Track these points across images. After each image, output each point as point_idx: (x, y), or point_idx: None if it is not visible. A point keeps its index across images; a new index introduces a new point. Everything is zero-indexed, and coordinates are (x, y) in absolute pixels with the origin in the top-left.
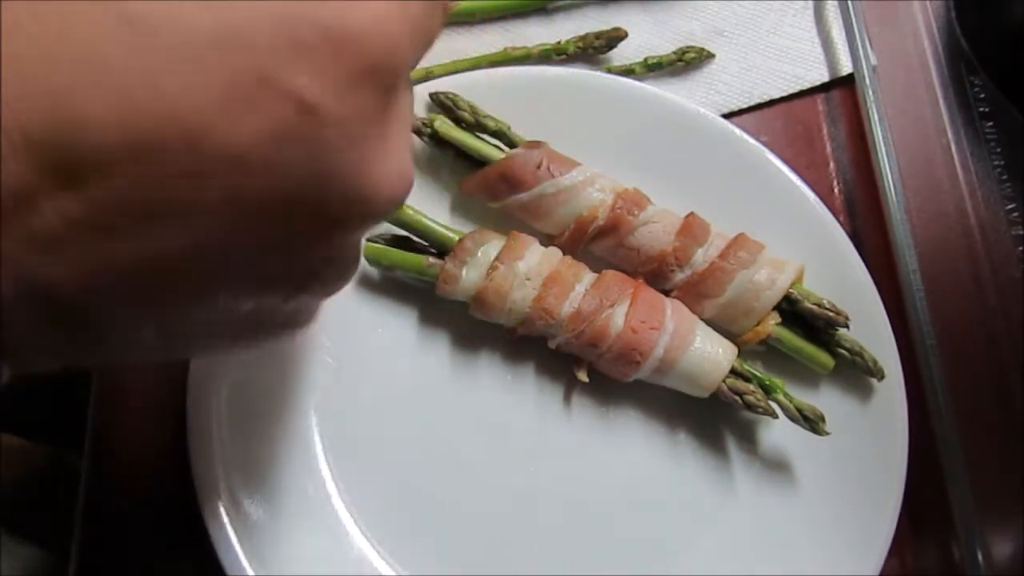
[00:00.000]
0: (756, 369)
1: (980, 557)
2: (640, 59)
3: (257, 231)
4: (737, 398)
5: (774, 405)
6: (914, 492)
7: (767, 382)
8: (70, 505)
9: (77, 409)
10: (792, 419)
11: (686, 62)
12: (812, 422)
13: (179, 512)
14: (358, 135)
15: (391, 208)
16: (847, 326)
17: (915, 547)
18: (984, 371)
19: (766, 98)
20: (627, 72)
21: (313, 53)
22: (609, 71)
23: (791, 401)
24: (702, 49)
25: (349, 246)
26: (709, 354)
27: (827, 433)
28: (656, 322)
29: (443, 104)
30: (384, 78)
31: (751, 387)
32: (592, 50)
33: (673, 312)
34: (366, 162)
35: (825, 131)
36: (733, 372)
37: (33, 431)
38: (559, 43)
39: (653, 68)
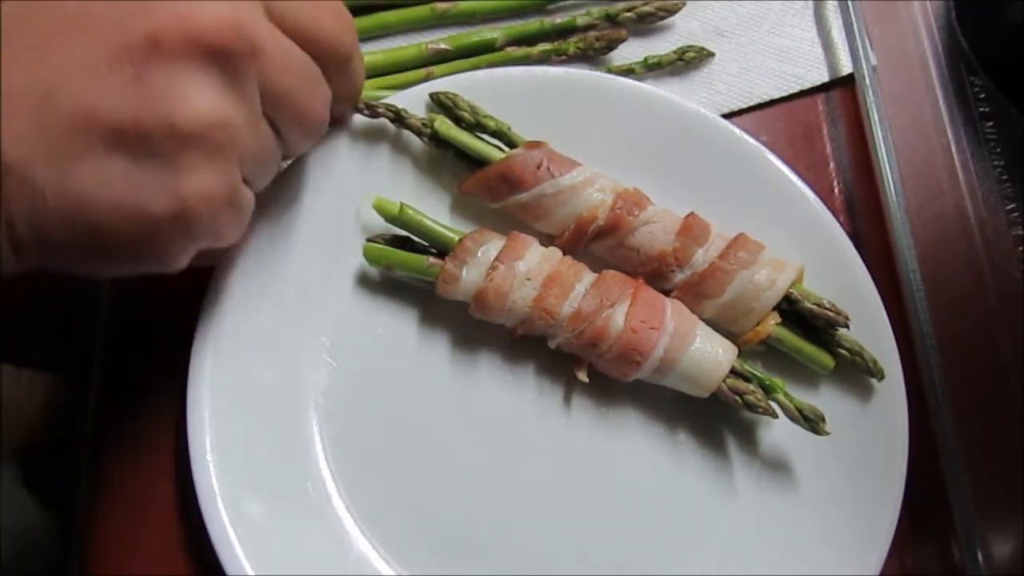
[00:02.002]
0: (756, 369)
1: (980, 557)
2: (640, 59)
3: None
4: (737, 398)
5: (774, 405)
6: (914, 492)
7: (767, 382)
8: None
9: (77, 413)
10: (792, 419)
11: (686, 61)
12: (812, 422)
13: (179, 512)
14: None
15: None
16: (847, 326)
17: (915, 547)
18: (984, 371)
19: (766, 98)
20: (627, 72)
21: None
22: (609, 71)
23: (791, 401)
24: (702, 48)
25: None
26: (709, 354)
27: (827, 433)
28: (656, 322)
29: (443, 104)
30: None
31: (751, 387)
32: (592, 51)
33: (673, 312)
34: None
35: (825, 131)
36: (733, 372)
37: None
38: (559, 44)
39: (653, 68)
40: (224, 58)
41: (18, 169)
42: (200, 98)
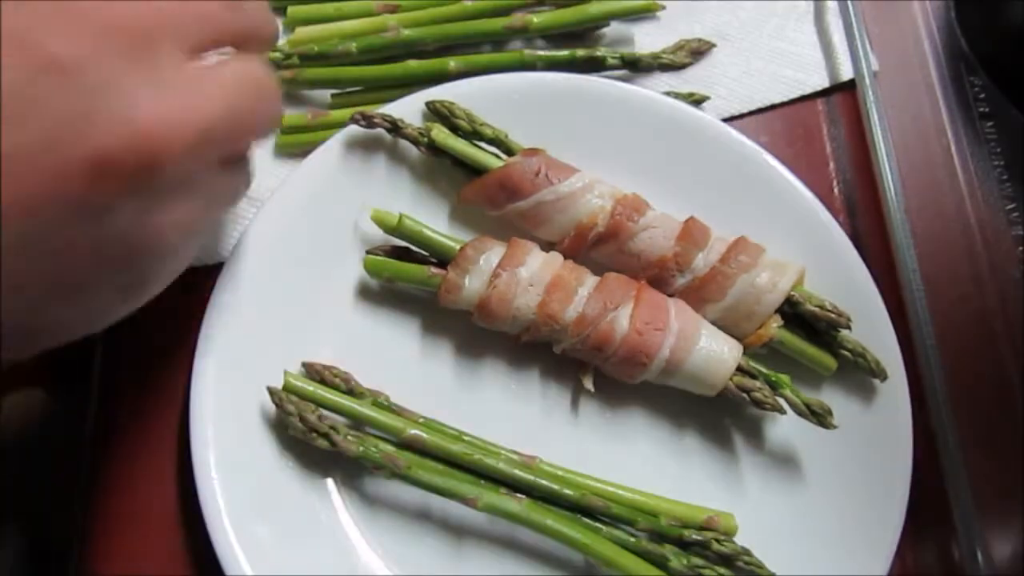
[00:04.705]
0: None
1: (980, 557)
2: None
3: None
4: (744, 395)
5: (781, 401)
6: (914, 492)
7: (773, 378)
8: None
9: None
10: (800, 414)
11: (688, 51)
12: (820, 416)
13: (180, 513)
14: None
15: (175, 145)
16: (849, 327)
17: (915, 547)
18: (984, 371)
19: (767, 103)
20: (635, 62)
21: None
22: (623, 58)
23: (798, 396)
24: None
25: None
26: (715, 353)
27: (835, 427)
28: (661, 323)
29: (439, 112)
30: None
31: (758, 384)
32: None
33: (677, 312)
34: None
35: (825, 132)
36: (739, 370)
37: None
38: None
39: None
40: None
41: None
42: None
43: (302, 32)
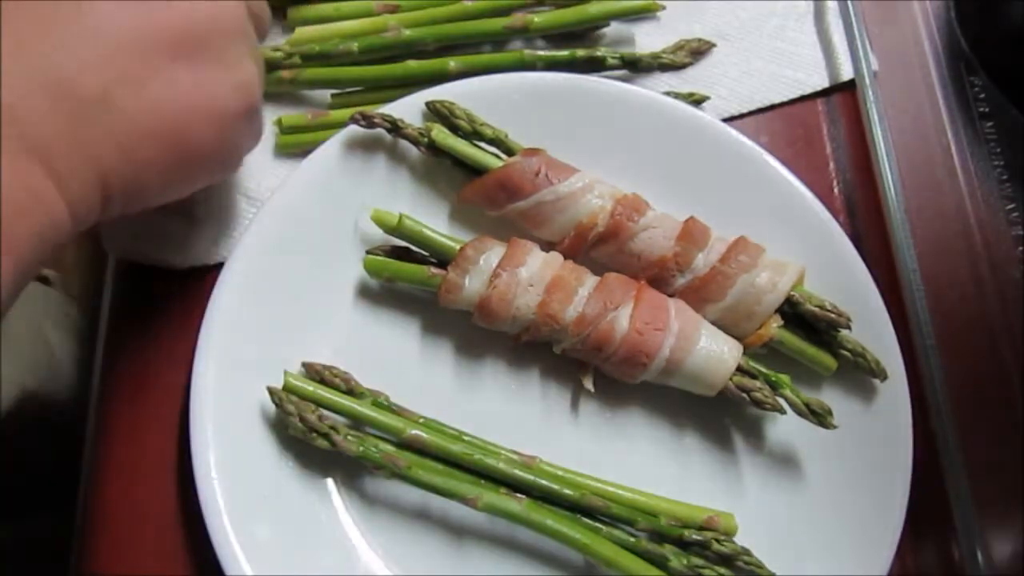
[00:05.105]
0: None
1: (980, 557)
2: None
3: None
4: (744, 395)
5: (781, 401)
6: (914, 492)
7: (773, 378)
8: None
9: (77, 425)
10: (800, 414)
11: (688, 51)
12: (820, 416)
13: (180, 512)
14: None
15: None
16: (849, 327)
17: (915, 547)
18: (984, 371)
19: (767, 103)
20: (635, 62)
21: None
22: (623, 58)
23: (798, 396)
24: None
25: None
26: (715, 353)
27: (835, 426)
28: (660, 323)
29: (439, 112)
30: None
31: (758, 384)
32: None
33: (677, 312)
34: None
35: (825, 132)
36: (739, 370)
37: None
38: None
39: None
40: None
41: (98, 98)
42: None
43: (302, 32)
